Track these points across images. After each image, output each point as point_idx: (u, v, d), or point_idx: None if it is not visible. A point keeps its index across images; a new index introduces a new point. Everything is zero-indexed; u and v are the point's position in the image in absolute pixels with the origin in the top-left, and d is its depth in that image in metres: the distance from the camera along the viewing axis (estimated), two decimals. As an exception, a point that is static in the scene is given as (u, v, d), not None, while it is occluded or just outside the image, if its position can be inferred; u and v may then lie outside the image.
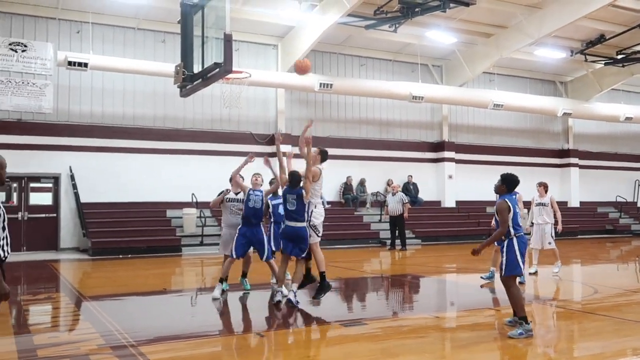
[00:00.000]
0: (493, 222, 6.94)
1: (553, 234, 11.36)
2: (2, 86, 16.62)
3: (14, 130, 16.64)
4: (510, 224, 6.42)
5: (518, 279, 7.34)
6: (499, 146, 24.72)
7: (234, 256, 8.60)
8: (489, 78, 23.74)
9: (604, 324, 7.11)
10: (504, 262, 6.42)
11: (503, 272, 6.45)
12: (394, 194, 17.76)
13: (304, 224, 8.00)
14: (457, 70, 22.42)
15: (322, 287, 8.10)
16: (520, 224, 6.64)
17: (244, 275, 9.47)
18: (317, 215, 8.13)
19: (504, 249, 6.45)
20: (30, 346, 5.29)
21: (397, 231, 17.62)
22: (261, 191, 8.87)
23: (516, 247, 6.40)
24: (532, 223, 11.51)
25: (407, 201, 17.85)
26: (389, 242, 18.06)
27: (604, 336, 6.45)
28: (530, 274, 11.09)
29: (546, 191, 11.45)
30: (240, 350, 6.16)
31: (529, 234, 10.93)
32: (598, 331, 6.74)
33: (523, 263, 6.45)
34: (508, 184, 6.69)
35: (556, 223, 11.41)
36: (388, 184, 22.02)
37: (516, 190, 6.83)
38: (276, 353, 6.02)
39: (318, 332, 6.92)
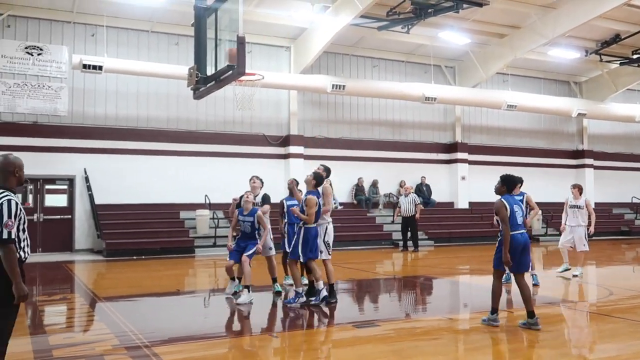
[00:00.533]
0: (494, 220, 7.05)
1: (586, 237, 11.35)
2: (19, 89, 16.82)
3: (30, 132, 16.83)
4: (507, 222, 6.65)
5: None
6: (512, 147, 24.57)
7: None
8: (502, 79, 23.62)
9: (619, 326, 7.04)
10: (495, 256, 6.78)
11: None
12: (406, 195, 17.75)
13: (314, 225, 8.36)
14: (470, 71, 22.32)
15: (330, 295, 8.27)
16: (530, 225, 6.82)
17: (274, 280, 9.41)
18: (330, 233, 8.59)
19: (498, 245, 6.78)
20: (45, 346, 5.35)
21: (409, 232, 17.60)
22: (253, 213, 8.61)
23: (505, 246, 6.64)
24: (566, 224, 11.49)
25: (419, 202, 17.81)
26: (401, 243, 18.02)
27: (619, 338, 6.39)
28: (560, 272, 11.18)
29: (581, 193, 11.50)
30: (253, 351, 6.18)
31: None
32: (613, 333, 6.68)
33: (513, 261, 6.65)
34: (508, 184, 6.90)
35: (589, 225, 11.40)
36: (400, 185, 21.98)
37: (523, 190, 6.98)
38: (289, 354, 6.04)
39: (331, 334, 6.93)
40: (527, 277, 7.44)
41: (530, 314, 6.61)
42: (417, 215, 17.51)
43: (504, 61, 21.02)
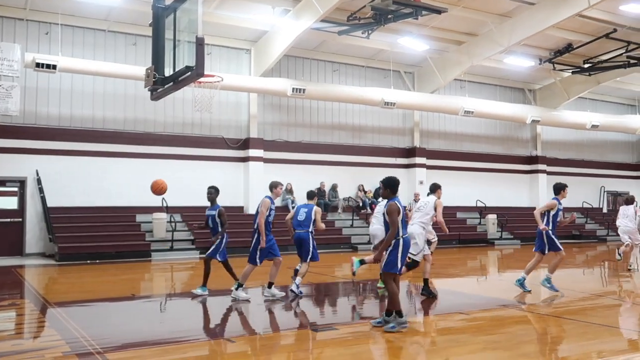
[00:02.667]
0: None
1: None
2: (-33, 87, 16.21)
3: (-21, 132, 16.26)
4: (401, 225, 6.74)
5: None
6: (469, 152, 25.04)
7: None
8: (460, 85, 24.06)
9: (570, 327, 7.23)
10: (385, 259, 6.77)
11: (382, 268, 6.91)
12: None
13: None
14: (428, 77, 22.65)
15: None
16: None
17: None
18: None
19: (389, 249, 6.77)
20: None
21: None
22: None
23: (400, 249, 6.76)
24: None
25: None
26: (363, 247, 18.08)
27: (570, 339, 6.56)
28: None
29: None
30: (209, 357, 6.09)
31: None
32: (564, 335, 6.85)
33: (402, 263, 6.80)
34: (391, 187, 7.00)
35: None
36: (359, 189, 22.15)
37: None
38: (245, 359, 5.97)
39: (289, 338, 6.89)
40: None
41: (399, 313, 6.74)
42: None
43: (462, 68, 21.42)
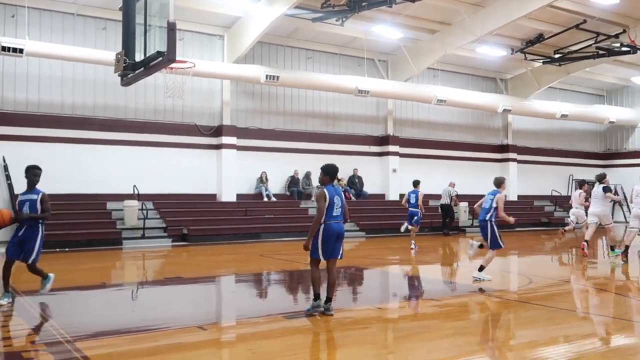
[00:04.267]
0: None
1: None
2: None
3: (-58, 117, 15.80)
4: (325, 212, 6.88)
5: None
6: (442, 141, 25.26)
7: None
8: (433, 74, 24.19)
9: (538, 312, 7.39)
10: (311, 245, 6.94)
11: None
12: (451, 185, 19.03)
13: None
14: (402, 66, 22.72)
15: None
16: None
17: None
18: None
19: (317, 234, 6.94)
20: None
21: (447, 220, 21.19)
22: None
23: (320, 235, 6.90)
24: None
25: (454, 195, 18.55)
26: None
27: (538, 324, 6.71)
28: None
29: None
30: (181, 344, 6.07)
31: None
32: (532, 320, 7.00)
33: (324, 250, 6.89)
34: (330, 174, 7.19)
35: None
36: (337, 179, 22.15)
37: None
38: (218, 346, 5.97)
39: (261, 325, 6.89)
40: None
41: (328, 299, 6.99)
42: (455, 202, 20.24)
43: (435, 57, 21.53)
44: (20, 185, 16.23)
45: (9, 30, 16.45)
